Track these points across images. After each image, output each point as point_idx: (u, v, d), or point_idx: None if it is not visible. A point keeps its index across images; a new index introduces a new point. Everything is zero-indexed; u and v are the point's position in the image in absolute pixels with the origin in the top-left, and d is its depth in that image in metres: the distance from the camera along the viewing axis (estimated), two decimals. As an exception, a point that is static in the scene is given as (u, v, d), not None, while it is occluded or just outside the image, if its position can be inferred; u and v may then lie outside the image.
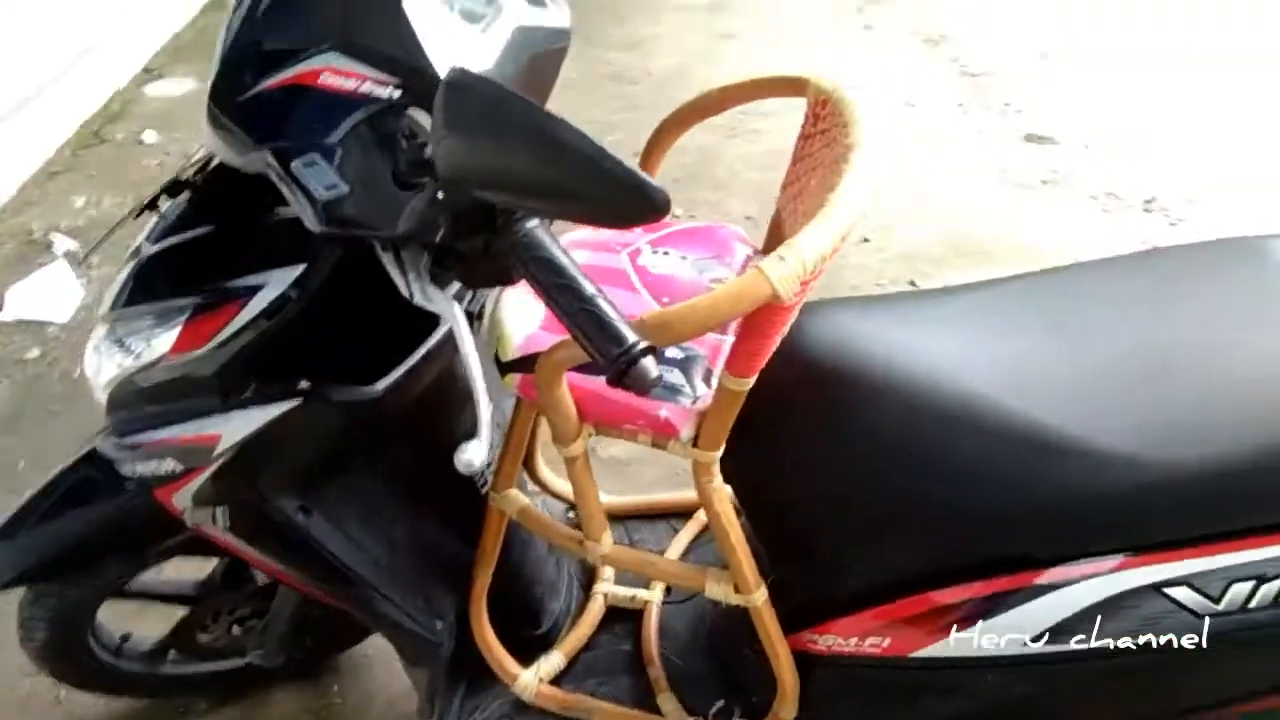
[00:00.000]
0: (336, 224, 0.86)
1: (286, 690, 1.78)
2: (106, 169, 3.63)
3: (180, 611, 1.58)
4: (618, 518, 1.67)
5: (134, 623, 1.67)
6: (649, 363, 0.75)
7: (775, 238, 1.27)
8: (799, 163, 1.13)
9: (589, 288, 0.78)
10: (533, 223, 0.81)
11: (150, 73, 4.34)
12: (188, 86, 4.23)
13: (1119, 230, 3.13)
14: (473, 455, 0.82)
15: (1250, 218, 3.13)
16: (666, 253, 1.18)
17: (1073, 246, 3.04)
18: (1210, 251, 1.14)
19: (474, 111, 0.70)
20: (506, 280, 0.90)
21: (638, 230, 1.24)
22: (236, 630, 1.60)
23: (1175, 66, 4.25)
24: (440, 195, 0.85)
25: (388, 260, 0.90)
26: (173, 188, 1.06)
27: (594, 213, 0.74)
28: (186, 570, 1.74)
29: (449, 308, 0.88)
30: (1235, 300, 1.05)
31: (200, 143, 1.09)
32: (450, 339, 1.10)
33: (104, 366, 1.11)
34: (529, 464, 1.53)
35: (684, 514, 1.64)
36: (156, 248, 1.06)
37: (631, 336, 0.76)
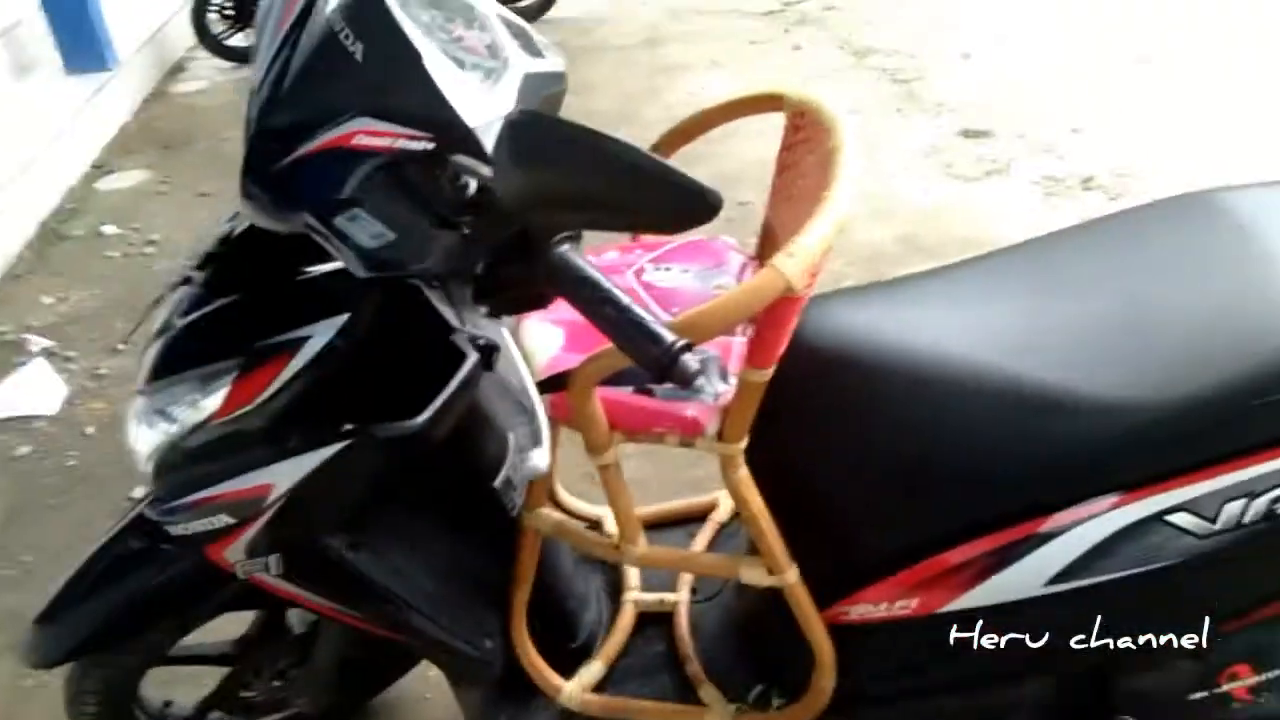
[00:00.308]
0: (384, 268, 0.92)
1: (331, 735, 1.81)
2: (71, 264, 3.64)
3: (216, 672, 1.61)
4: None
5: (167, 690, 1.70)
6: (689, 358, 0.83)
7: (769, 244, 1.36)
8: (784, 172, 1.22)
9: (624, 298, 0.85)
10: (566, 247, 0.89)
11: (100, 168, 4.37)
12: (139, 178, 4.26)
13: (1063, 210, 3.28)
14: (538, 461, 0.88)
15: (1179, 185, 3.29)
16: (669, 268, 1.27)
17: (1023, 230, 3.16)
18: (1165, 209, 1.25)
19: (541, 142, 0.78)
20: (539, 304, 0.97)
21: (639, 251, 1.32)
22: (278, 683, 1.63)
23: (1091, 60, 4.46)
24: (479, 230, 0.91)
25: (436, 297, 0.96)
26: (202, 263, 1.12)
27: (654, 220, 0.82)
28: (220, 631, 1.78)
29: (497, 332, 0.94)
30: (1192, 250, 1.16)
31: (227, 217, 1.16)
32: (477, 370, 1.18)
33: (146, 436, 1.16)
34: (549, 488, 1.59)
35: (697, 519, 1.71)
36: (187, 320, 1.12)
37: (670, 336, 0.83)
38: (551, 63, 1.04)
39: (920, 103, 4.18)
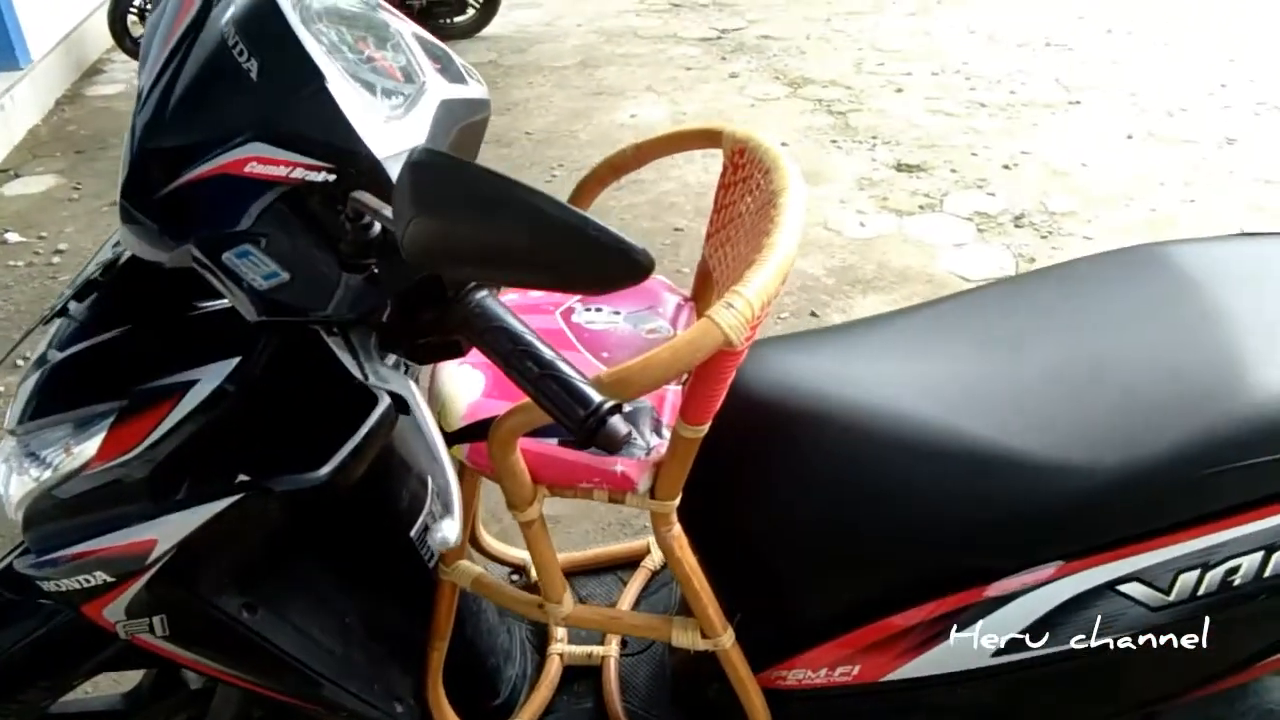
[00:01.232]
0: (277, 312, 0.83)
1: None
2: (-31, 273, 3.45)
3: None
4: (565, 574, 1.65)
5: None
6: (617, 421, 0.75)
7: (705, 285, 1.29)
8: (721, 211, 1.16)
9: (548, 352, 0.77)
10: (482, 293, 0.81)
11: (7, 172, 4.17)
12: (48, 183, 4.07)
13: (994, 246, 3.30)
14: (447, 533, 0.79)
15: (1113, 227, 3.35)
16: (599, 309, 1.19)
17: (958, 265, 3.19)
18: (1114, 261, 1.21)
19: (445, 189, 0.69)
20: (454, 353, 0.89)
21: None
22: (171, 742, 1.51)
23: (1025, 97, 4.54)
24: (384, 274, 0.83)
25: (336, 344, 0.87)
26: (82, 291, 1.01)
27: (577, 280, 0.73)
28: (107, 683, 1.65)
29: (405, 384, 0.86)
30: (1143, 306, 1.12)
31: (113, 241, 1.06)
32: (388, 416, 1.08)
33: (16, 482, 1.05)
34: (472, 533, 1.50)
35: (629, 564, 1.63)
36: (65, 354, 1.01)
37: (597, 397, 0.75)
38: (473, 89, 0.96)
39: (855, 134, 4.20)
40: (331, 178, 0.83)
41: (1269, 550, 1.00)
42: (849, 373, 1.12)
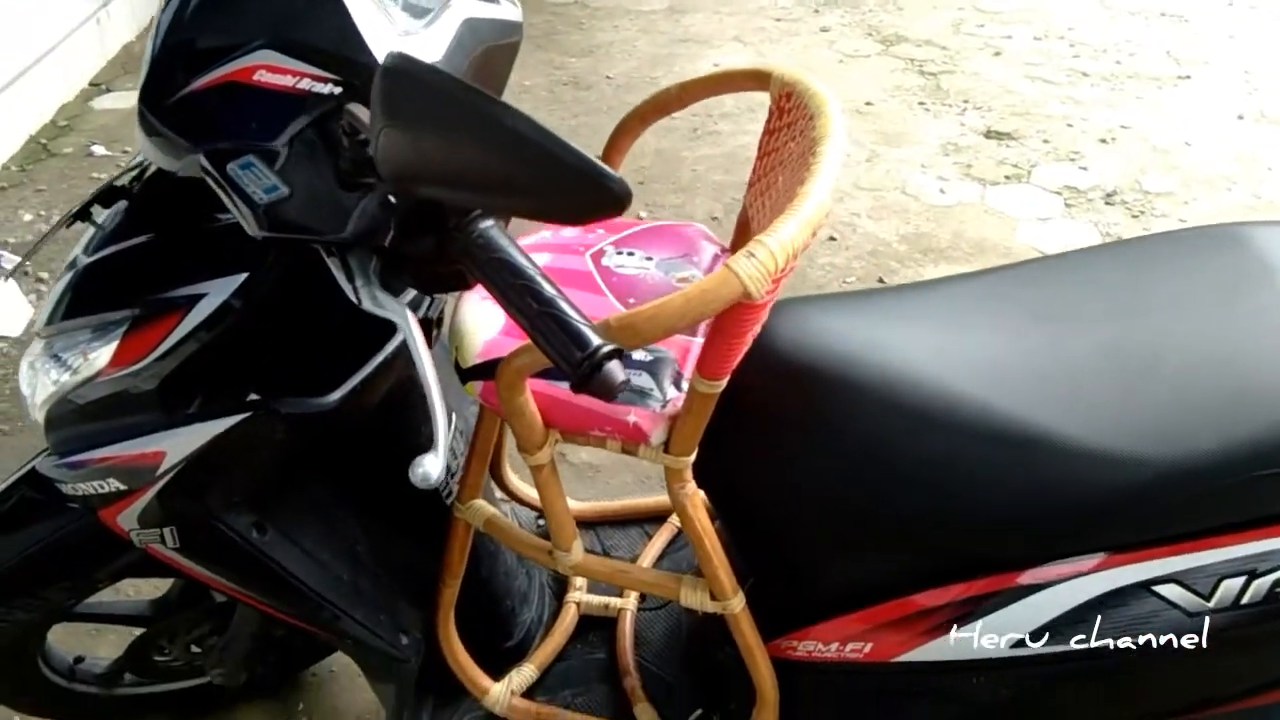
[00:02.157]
0: (277, 229, 0.82)
1: (250, 708, 1.72)
2: (55, 183, 3.53)
3: (135, 632, 1.52)
4: (589, 524, 1.63)
5: (89, 642, 1.61)
6: (615, 367, 0.72)
7: (743, 235, 1.24)
8: (764, 158, 1.10)
9: (549, 289, 0.74)
10: (487, 222, 0.77)
11: (98, 86, 4.25)
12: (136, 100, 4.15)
13: (1081, 223, 3.15)
14: (429, 469, 0.77)
15: (1210, 211, 3.16)
16: (631, 253, 1.15)
17: (1038, 239, 3.05)
18: (1188, 240, 1.12)
19: (415, 100, 0.66)
20: (462, 285, 0.86)
21: (600, 230, 1.20)
22: (195, 650, 1.54)
23: (1132, 68, 4.30)
24: (389, 196, 0.80)
25: (334, 265, 0.85)
26: (107, 196, 1.01)
27: (550, 208, 0.69)
28: (143, 589, 1.69)
29: (401, 314, 0.83)
30: (1213, 290, 1.03)
31: (136, 149, 1.05)
32: (406, 347, 1.06)
33: (41, 383, 1.06)
34: (496, 472, 1.48)
35: (657, 519, 1.60)
36: (92, 259, 1.01)
37: (595, 340, 0.72)
38: (504, 9, 0.92)
39: (946, 97, 4.03)
40: (338, 90, 0.81)
41: (1325, 563, 0.92)
42: (888, 339, 1.06)
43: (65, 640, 1.59)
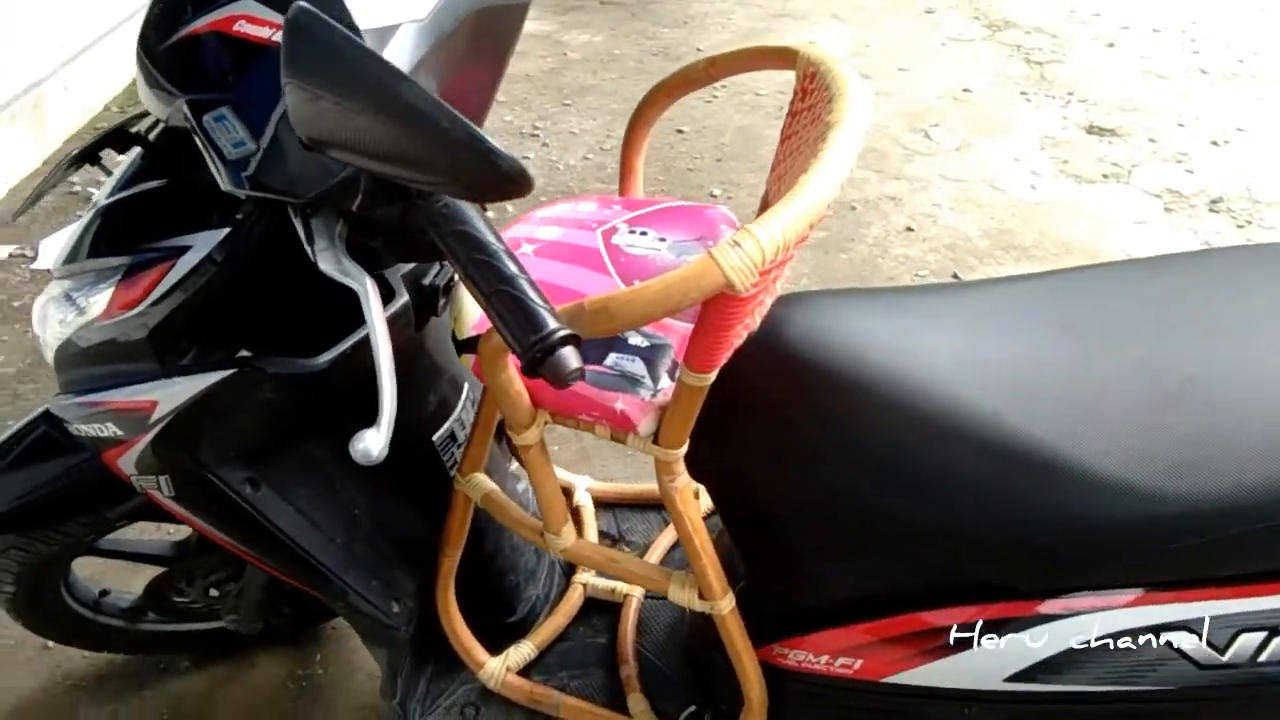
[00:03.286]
0: (246, 184, 0.80)
1: (270, 654, 1.75)
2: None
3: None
4: (608, 505, 1.60)
5: (118, 578, 1.65)
6: (568, 353, 0.68)
7: (762, 221, 1.17)
8: (785, 141, 1.04)
9: (511, 267, 0.70)
10: None
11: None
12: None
13: (1180, 230, 2.97)
14: (369, 444, 0.75)
15: (1323, 224, 2.95)
16: (644, 233, 1.10)
17: (1130, 245, 2.89)
18: (1244, 258, 1.02)
19: (313, 58, 0.63)
20: (435, 254, 0.83)
21: (618, 206, 1.16)
22: (213, 594, 1.56)
23: (1254, 68, 4.03)
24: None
25: (297, 225, 0.83)
26: (120, 139, 1.01)
27: (442, 182, 0.67)
28: (171, 531, 1.73)
29: (360, 281, 0.81)
30: (1265, 314, 0.94)
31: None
32: (400, 316, 1.04)
33: (50, 323, 1.08)
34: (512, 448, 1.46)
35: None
36: (107, 202, 1.02)
37: (552, 323, 0.68)
38: None
39: (1050, 87, 3.84)
40: None
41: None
42: (905, 340, 1.00)
43: (100, 574, 1.64)
